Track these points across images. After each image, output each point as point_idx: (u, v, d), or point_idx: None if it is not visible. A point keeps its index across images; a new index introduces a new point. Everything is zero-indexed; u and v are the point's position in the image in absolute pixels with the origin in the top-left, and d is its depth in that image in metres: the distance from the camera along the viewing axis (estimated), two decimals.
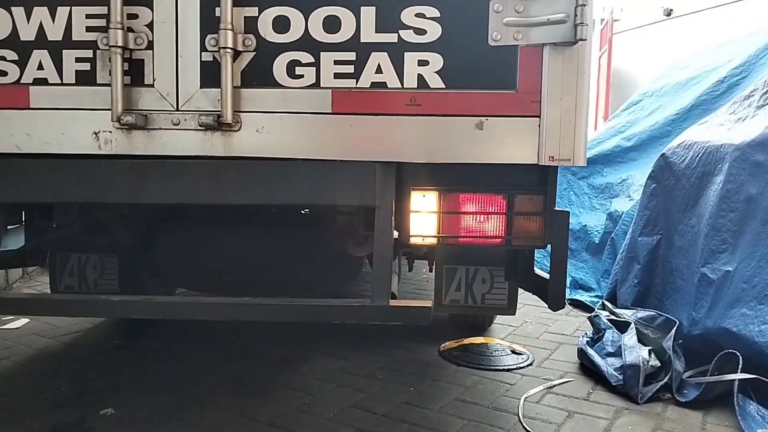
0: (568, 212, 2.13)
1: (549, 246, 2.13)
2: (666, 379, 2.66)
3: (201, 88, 1.92)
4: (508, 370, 2.97)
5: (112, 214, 2.64)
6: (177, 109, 1.93)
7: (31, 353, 3.08)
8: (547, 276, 2.25)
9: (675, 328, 2.82)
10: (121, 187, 1.96)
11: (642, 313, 3.06)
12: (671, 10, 9.17)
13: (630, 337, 2.85)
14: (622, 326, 3.00)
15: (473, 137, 1.92)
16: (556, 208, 2.11)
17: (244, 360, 2.99)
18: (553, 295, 2.19)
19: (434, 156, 1.94)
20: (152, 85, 1.93)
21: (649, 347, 2.82)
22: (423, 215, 2.11)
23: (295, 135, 1.94)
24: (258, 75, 1.93)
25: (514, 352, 3.18)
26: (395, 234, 2.14)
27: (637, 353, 2.73)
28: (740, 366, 2.44)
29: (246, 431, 2.27)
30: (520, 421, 2.39)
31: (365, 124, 1.93)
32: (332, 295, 2.22)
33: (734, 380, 2.43)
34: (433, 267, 2.78)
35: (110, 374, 2.80)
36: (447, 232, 2.12)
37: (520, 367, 3.00)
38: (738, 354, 2.46)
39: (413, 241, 2.15)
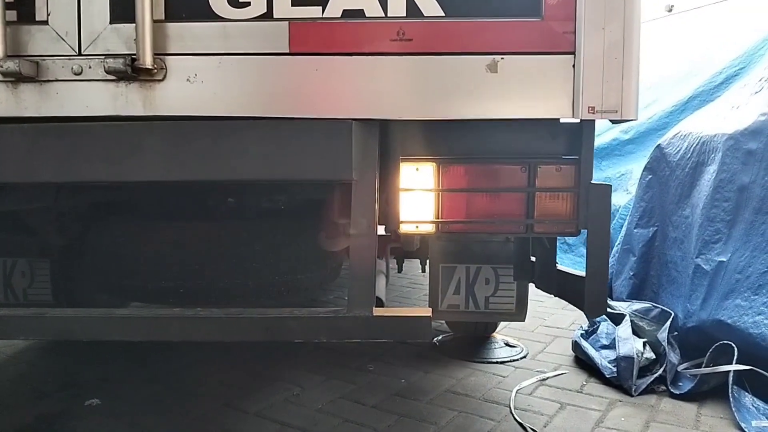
0: (610, 186, 1.60)
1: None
2: (661, 372, 2.62)
3: (111, 23, 1.46)
4: (502, 362, 2.93)
5: (34, 206, 2.07)
6: (79, 54, 1.46)
7: (18, 344, 3.06)
8: (578, 273, 1.82)
9: (670, 320, 2.78)
10: (6, 161, 1.47)
11: (637, 306, 3.03)
12: (672, 6, 9.12)
13: (624, 329, 2.82)
14: (617, 318, 2.96)
15: (483, 84, 1.46)
16: (594, 181, 1.60)
17: (232, 351, 2.96)
18: (591, 297, 1.64)
19: (430, 111, 1.48)
20: (46, 22, 1.47)
21: (644, 339, 2.78)
22: (416, 195, 1.64)
23: (241, 85, 1.47)
24: (188, 3, 1.47)
25: (507, 344, 3.15)
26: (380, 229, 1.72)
27: (631, 345, 2.69)
28: (735, 357, 2.41)
29: (233, 422, 2.24)
30: (511, 412, 2.36)
31: (336, 68, 1.47)
32: (306, 303, 1.79)
33: (729, 372, 2.40)
34: (427, 266, 2.35)
35: (97, 365, 2.77)
36: (448, 216, 1.64)
37: (514, 360, 2.96)
38: (733, 345, 2.43)
39: (404, 229, 1.66)
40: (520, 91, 1.47)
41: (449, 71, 1.47)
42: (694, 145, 3.05)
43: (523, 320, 2.37)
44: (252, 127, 1.47)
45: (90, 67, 1.46)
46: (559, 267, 2.00)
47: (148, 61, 1.43)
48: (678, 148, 3.19)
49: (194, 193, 1.97)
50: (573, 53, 1.45)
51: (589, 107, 1.45)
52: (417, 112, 1.49)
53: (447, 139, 1.62)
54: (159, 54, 1.46)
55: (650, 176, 3.41)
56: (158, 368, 2.75)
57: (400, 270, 2.98)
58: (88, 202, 2.12)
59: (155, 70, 1.46)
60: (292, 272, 2.13)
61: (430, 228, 1.66)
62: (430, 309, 1.62)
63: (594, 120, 1.52)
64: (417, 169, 1.64)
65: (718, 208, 2.74)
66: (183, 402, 2.40)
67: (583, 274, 1.70)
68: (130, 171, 1.47)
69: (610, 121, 1.54)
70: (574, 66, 1.45)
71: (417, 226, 1.67)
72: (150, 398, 2.42)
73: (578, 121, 1.53)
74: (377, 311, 1.53)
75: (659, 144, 3.40)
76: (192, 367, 2.77)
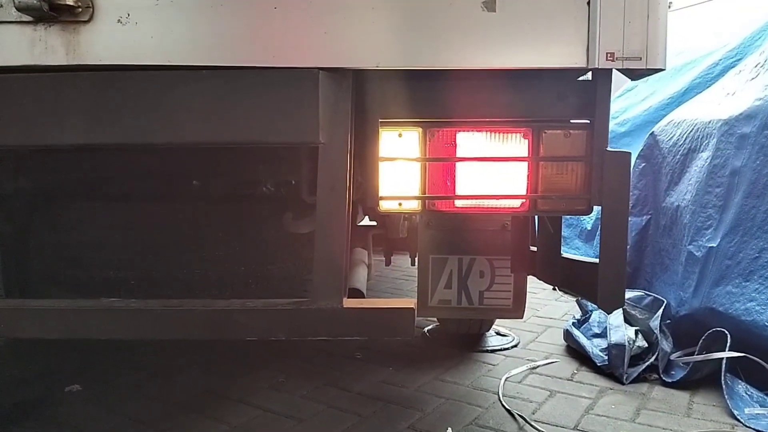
0: (629, 154, 1.37)
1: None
2: (653, 360, 2.58)
3: None
4: (492, 351, 2.89)
5: None
6: None
7: None
8: (588, 260, 1.60)
9: (662, 307, 2.74)
10: None
11: (630, 294, 2.98)
12: (671, 2, 9.09)
13: (616, 317, 2.77)
14: None
15: (479, 25, 1.23)
16: (610, 148, 1.36)
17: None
18: (606, 288, 1.39)
19: (415, 58, 1.25)
20: None
21: (637, 328, 2.74)
22: (398, 165, 1.41)
23: (183, 27, 1.23)
24: None
25: (499, 334, 3.11)
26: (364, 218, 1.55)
27: (622, 332, 2.65)
28: (728, 345, 2.36)
29: (214, 408, 2.20)
30: (499, 399, 2.31)
31: (299, 5, 1.23)
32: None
33: (722, 359, 2.35)
34: (416, 258, 2.13)
35: (80, 352, 2.73)
36: (436, 191, 1.41)
37: (505, 349, 2.92)
38: (726, 332, 2.38)
39: (384, 207, 1.43)
40: (524, 34, 1.23)
41: (438, 9, 1.23)
42: (688, 131, 3.01)
43: (521, 317, 2.13)
44: (196, 79, 1.24)
45: (1, 6, 1.22)
46: (564, 254, 1.79)
47: None
48: (671, 135, 3.15)
49: (148, 171, 1.71)
50: None
51: (607, 53, 1.23)
52: (398, 60, 1.26)
53: (435, 98, 1.38)
54: None
55: (644, 164, 3.37)
56: (140, 354, 2.71)
57: (388, 263, 2.73)
58: (34, 182, 1.83)
59: (79, 9, 1.22)
60: (261, 262, 1.88)
61: (415, 205, 1.43)
62: (413, 300, 1.37)
63: (611, 72, 1.31)
64: (399, 135, 1.40)
65: (711, 194, 2.69)
66: (166, 388, 2.36)
67: (594, 260, 1.45)
68: (48, 133, 1.24)
69: (630, 77, 1.35)
70: (589, 3, 1.23)
71: (400, 203, 1.44)
72: (132, 384, 2.39)
73: (590, 76, 1.33)
74: (348, 302, 1.30)
75: (653, 131, 3.37)
76: (175, 354, 2.72)
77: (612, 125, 4.86)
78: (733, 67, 4.09)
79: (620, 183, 1.34)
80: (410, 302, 1.31)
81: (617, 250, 1.37)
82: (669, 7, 5.53)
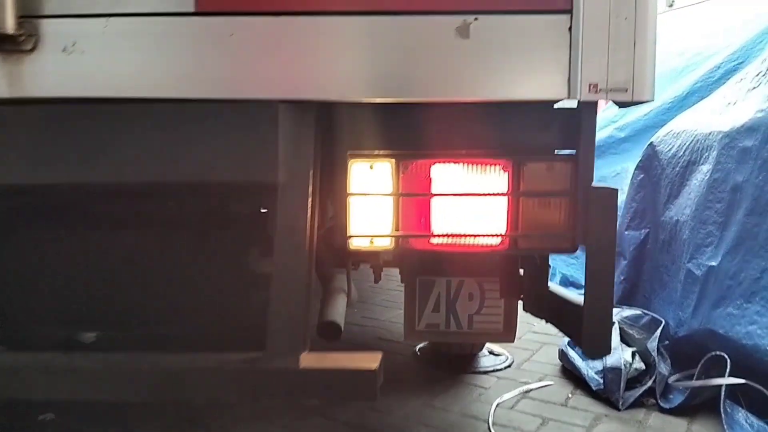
0: (616, 191, 1.28)
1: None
2: (650, 383, 2.48)
3: None
4: (484, 372, 2.80)
5: None
6: None
7: None
8: (574, 299, 1.49)
9: (660, 328, 2.64)
10: None
11: (627, 312, 2.88)
12: (673, 1, 8.95)
13: (612, 338, 2.66)
14: None
15: (452, 53, 1.15)
16: (596, 184, 1.27)
17: None
18: (590, 332, 1.31)
19: (384, 90, 1.17)
20: None
21: (634, 348, 2.64)
22: (369, 201, 1.32)
23: (132, 57, 1.14)
24: None
25: (492, 353, 3.01)
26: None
27: (618, 355, 2.55)
28: (728, 370, 2.26)
29: None
30: (489, 429, 2.22)
31: (258, 33, 1.14)
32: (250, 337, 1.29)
33: (722, 385, 2.25)
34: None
35: None
36: (410, 228, 1.33)
37: (498, 370, 2.83)
38: (725, 357, 2.28)
39: (355, 245, 1.35)
40: (500, 63, 1.15)
41: (408, 37, 1.14)
42: (688, 142, 2.90)
43: (512, 341, 2.04)
44: (146, 113, 1.16)
45: None
46: (552, 287, 1.72)
47: (9, 24, 1.10)
48: (671, 146, 3.04)
49: (99, 197, 1.57)
50: (569, 12, 1.14)
51: (590, 85, 1.15)
52: (364, 91, 1.18)
53: (409, 128, 1.29)
54: (25, 16, 1.13)
55: (642, 175, 3.27)
56: None
57: (377, 280, 2.56)
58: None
59: (22, 38, 1.13)
60: (227, 296, 1.68)
61: (387, 244, 1.36)
62: (379, 356, 1.22)
63: (596, 103, 1.23)
64: (371, 167, 1.32)
65: (711, 210, 2.58)
66: (141, 417, 2.27)
67: (579, 301, 1.37)
68: None
69: (617, 105, 1.27)
70: (570, 29, 1.14)
71: (371, 241, 1.36)
72: (108, 413, 2.29)
73: (575, 104, 1.25)
74: (306, 360, 1.16)
75: (652, 142, 3.26)
76: None
77: (611, 130, 4.76)
78: (734, 71, 3.97)
79: (606, 221, 1.25)
80: (375, 359, 1.18)
81: (604, 293, 1.29)
82: (671, 5, 5.28)
